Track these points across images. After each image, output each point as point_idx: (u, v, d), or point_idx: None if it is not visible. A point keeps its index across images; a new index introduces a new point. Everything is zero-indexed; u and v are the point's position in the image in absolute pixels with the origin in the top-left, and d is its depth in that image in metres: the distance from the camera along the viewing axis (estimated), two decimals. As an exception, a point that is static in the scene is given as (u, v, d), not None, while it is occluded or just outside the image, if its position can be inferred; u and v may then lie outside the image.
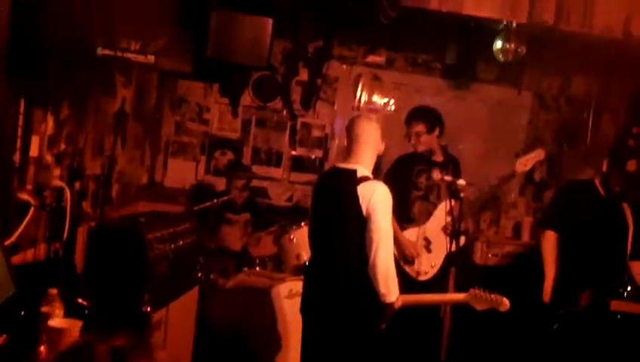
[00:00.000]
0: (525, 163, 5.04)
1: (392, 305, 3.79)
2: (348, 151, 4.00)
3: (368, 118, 4.25)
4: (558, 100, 7.13)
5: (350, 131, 4.01)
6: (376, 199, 3.72)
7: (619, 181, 4.63)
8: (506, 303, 3.88)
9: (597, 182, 4.82)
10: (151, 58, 3.62)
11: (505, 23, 5.62)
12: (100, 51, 3.42)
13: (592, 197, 4.76)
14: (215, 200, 5.63)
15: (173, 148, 6.91)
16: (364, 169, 3.89)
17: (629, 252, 4.64)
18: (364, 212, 3.72)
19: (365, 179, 3.82)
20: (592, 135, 7.03)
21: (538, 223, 5.00)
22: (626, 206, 4.72)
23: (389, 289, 3.74)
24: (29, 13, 3.36)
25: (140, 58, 3.59)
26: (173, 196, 6.59)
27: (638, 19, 5.14)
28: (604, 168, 4.72)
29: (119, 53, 3.52)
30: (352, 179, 3.80)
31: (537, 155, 5.06)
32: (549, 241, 4.83)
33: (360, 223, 3.74)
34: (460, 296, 4.12)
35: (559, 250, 4.79)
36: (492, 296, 3.92)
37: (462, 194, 4.49)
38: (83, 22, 3.49)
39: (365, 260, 3.72)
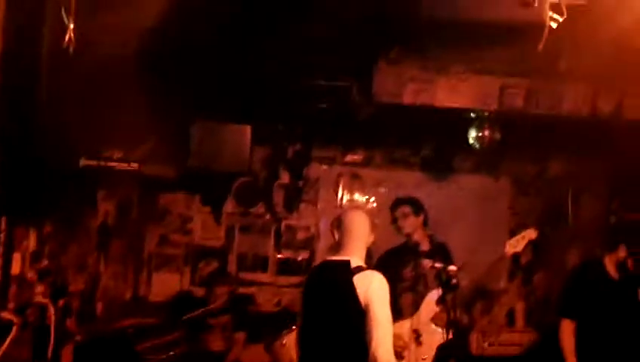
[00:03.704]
0: (516, 244, 4.95)
1: None
2: (338, 245, 3.94)
3: (356, 209, 4.23)
4: (537, 184, 7.24)
5: (339, 224, 3.96)
6: (374, 288, 3.64)
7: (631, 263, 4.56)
8: None
9: (606, 262, 4.72)
10: (135, 165, 3.64)
11: (477, 111, 5.74)
12: (82, 161, 3.43)
13: (603, 280, 4.67)
14: (204, 309, 5.51)
15: (156, 261, 6.81)
16: (357, 259, 3.83)
17: None
18: (362, 302, 3.62)
19: (360, 269, 3.76)
20: (573, 215, 7.10)
21: (556, 313, 4.84)
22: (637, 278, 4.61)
23: None
24: (13, 129, 3.40)
25: (124, 166, 3.60)
26: (158, 309, 6.45)
27: (605, 96, 5.31)
28: (622, 253, 4.59)
29: (102, 163, 3.54)
30: (346, 270, 3.73)
31: (528, 235, 4.96)
32: (567, 330, 4.67)
33: (358, 314, 3.62)
34: None
35: (577, 338, 4.65)
36: None
37: (454, 281, 4.43)
38: (66, 134, 3.52)
39: (364, 352, 3.60)
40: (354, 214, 4.04)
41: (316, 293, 3.95)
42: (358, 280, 3.67)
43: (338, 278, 3.76)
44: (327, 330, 3.79)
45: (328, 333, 3.78)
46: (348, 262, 3.78)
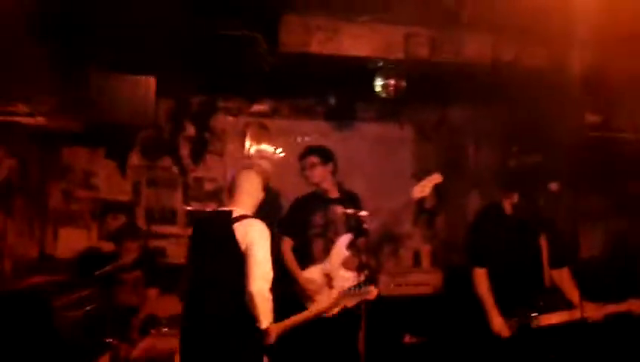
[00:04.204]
0: (422, 189, 5.08)
1: (266, 331, 3.90)
2: (229, 198, 4.25)
3: (248, 168, 4.51)
4: (438, 130, 7.49)
5: (232, 181, 4.29)
6: (253, 233, 3.91)
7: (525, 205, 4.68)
8: (373, 292, 4.25)
9: (505, 205, 4.78)
10: (41, 119, 3.53)
11: (382, 60, 5.82)
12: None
13: (504, 223, 4.74)
14: (115, 264, 5.43)
15: (62, 217, 6.65)
16: (240, 210, 4.08)
17: (546, 263, 4.65)
18: (242, 246, 3.89)
19: (242, 217, 4.01)
20: (474, 161, 7.41)
21: (468, 262, 4.96)
22: (535, 217, 4.71)
23: (263, 315, 3.85)
24: None
25: (29, 120, 3.49)
26: (66, 266, 6.31)
27: (505, 45, 5.52)
28: (518, 195, 4.68)
29: (6, 117, 3.41)
30: (228, 218, 4.00)
31: (434, 179, 5.10)
32: (480, 277, 4.69)
33: (238, 258, 3.88)
34: (331, 302, 4.40)
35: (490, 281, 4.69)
36: (360, 289, 4.26)
37: (365, 226, 4.58)
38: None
39: (243, 292, 3.84)
40: (244, 173, 4.32)
41: (200, 241, 4.18)
42: (238, 226, 3.95)
43: (220, 226, 4.03)
44: (210, 275, 4.01)
45: (211, 278, 4.00)
46: (230, 211, 4.06)
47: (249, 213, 4.11)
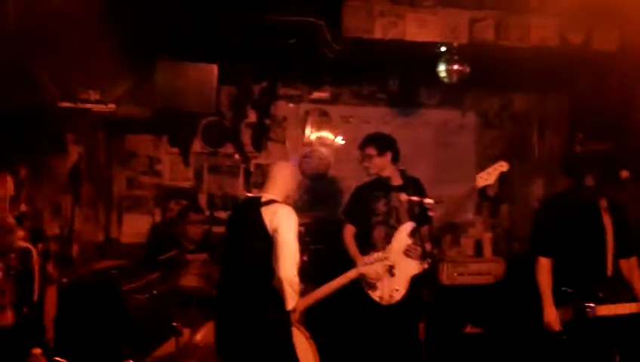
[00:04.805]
0: (487, 177, 4.96)
1: (292, 311, 4.11)
2: (264, 187, 4.43)
3: (285, 160, 4.65)
4: (502, 117, 7.36)
5: (268, 171, 4.53)
6: (280, 216, 4.07)
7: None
8: (387, 262, 4.81)
9: (572, 193, 4.68)
10: (112, 107, 3.60)
11: (447, 45, 5.74)
12: (60, 104, 3.38)
13: (571, 212, 4.60)
14: (179, 248, 5.52)
15: (126, 203, 6.80)
16: (269, 196, 4.26)
17: (610, 252, 4.51)
18: (269, 229, 4.05)
19: (270, 202, 4.19)
20: (538, 148, 7.25)
21: (531, 251, 4.82)
22: (603, 204, 4.57)
23: (290, 298, 4.02)
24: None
25: (101, 107, 3.56)
26: (131, 251, 6.45)
27: (573, 29, 5.37)
28: (589, 182, 4.52)
29: (79, 105, 3.49)
30: (257, 203, 4.21)
31: (500, 167, 4.98)
32: (544, 268, 4.59)
33: (266, 240, 4.04)
34: (352, 273, 4.80)
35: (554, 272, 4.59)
36: (378, 255, 4.79)
37: (431, 213, 4.53)
38: (39, 77, 3.44)
39: (270, 272, 4.01)
40: (279, 163, 4.60)
41: (235, 224, 4.42)
42: (265, 210, 4.14)
43: (250, 209, 4.24)
44: (241, 257, 4.20)
45: (242, 259, 4.18)
46: (259, 197, 4.29)
47: (279, 199, 4.26)
